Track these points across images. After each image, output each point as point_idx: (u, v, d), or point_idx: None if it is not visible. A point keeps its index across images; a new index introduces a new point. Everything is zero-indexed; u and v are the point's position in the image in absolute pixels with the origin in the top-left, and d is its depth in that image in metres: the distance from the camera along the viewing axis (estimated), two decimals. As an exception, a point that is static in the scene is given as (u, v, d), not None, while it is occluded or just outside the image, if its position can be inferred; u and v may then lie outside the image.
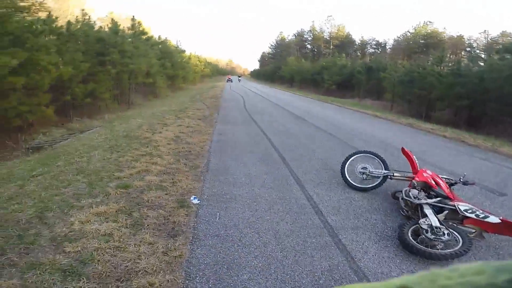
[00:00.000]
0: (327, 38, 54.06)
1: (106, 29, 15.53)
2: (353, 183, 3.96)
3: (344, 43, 51.71)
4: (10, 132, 8.32)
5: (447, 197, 3.12)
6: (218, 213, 3.11)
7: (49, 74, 9.52)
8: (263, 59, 77.05)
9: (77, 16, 14.23)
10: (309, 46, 58.57)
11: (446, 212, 2.96)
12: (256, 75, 75.96)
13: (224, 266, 2.29)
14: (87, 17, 14.36)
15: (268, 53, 71.92)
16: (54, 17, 11.47)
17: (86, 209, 2.95)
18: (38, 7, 14.01)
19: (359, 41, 52.33)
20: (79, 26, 12.83)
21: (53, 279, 1.95)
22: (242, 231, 2.80)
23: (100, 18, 30.64)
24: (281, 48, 62.92)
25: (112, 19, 17.52)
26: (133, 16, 18.30)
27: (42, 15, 11.81)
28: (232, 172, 4.40)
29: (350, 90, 27.66)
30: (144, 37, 18.47)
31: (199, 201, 3.35)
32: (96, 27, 15.17)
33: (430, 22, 41.57)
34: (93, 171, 4.10)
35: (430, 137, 8.74)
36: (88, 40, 12.97)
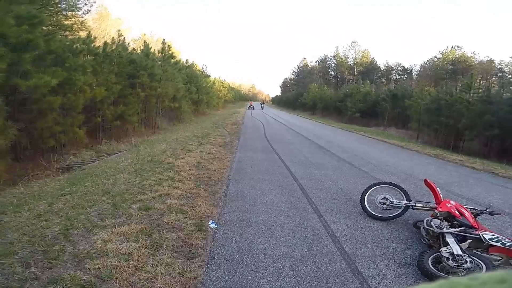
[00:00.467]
0: (351, 64, 53.23)
1: (139, 51, 15.98)
2: (373, 213, 3.89)
3: (368, 69, 50.76)
4: (43, 152, 8.86)
5: (471, 227, 3.08)
6: (234, 238, 3.13)
7: (83, 95, 9.83)
8: (285, 85, 77.06)
9: (113, 37, 14.73)
10: (332, 73, 58.01)
11: (469, 241, 2.92)
12: (277, 102, 75.69)
13: (237, 290, 2.28)
14: (122, 38, 14.68)
15: (290, 79, 71.86)
16: (93, 37, 11.91)
17: (109, 228, 3.07)
18: (79, 26, 15.24)
19: (384, 67, 51.30)
20: (114, 47, 13.13)
21: (72, 294, 2.02)
22: (256, 256, 2.80)
23: (133, 39, 32.75)
24: (304, 74, 62.41)
25: (145, 42, 18.19)
26: (164, 39, 18.75)
27: (82, 34, 12.66)
28: (249, 199, 4.43)
29: (374, 118, 27.14)
30: (172, 60, 18.65)
31: (216, 226, 3.39)
32: (130, 49, 15.55)
33: (458, 46, 40.33)
34: (117, 193, 4.29)
35: (458, 168, 8.36)
36: (121, 62, 13.28)
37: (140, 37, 35.63)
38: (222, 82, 49.83)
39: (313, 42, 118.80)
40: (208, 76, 36.09)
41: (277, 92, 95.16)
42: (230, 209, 3.98)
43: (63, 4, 14.82)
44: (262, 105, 46.51)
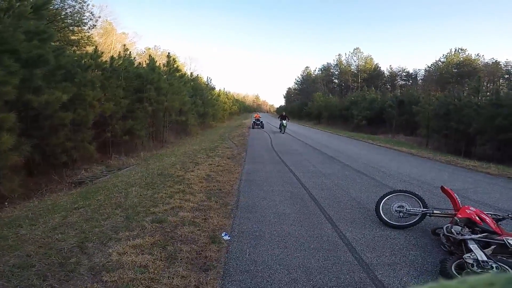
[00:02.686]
0: (355, 71, 52.90)
1: (144, 65, 16.10)
2: (389, 221, 3.81)
3: (372, 76, 50.29)
4: (55, 167, 9.00)
5: (494, 232, 3.00)
6: (247, 250, 3.10)
7: (93, 110, 9.96)
8: (289, 95, 76.48)
9: (119, 52, 14.93)
10: (336, 81, 57.54)
11: (493, 247, 2.85)
12: (282, 112, 75.88)
13: (254, 303, 2.23)
14: (127, 53, 14.82)
15: (294, 89, 71.16)
16: (100, 52, 11.99)
17: (124, 241, 3.07)
18: (86, 41, 15.52)
19: (388, 73, 50.98)
20: (121, 62, 13.12)
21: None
22: (271, 267, 2.76)
23: (138, 53, 33.39)
24: (307, 83, 61.83)
25: (150, 56, 18.41)
26: (169, 53, 19.29)
27: (89, 49, 12.86)
28: (261, 210, 4.41)
29: (381, 125, 26.92)
30: (178, 74, 18.79)
31: (229, 238, 3.36)
32: (135, 63, 15.68)
33: (462, 49, 39.80)
34: (130, 206, 4.31)
35: (472, 174, 8.18)
36: (128, 76, 13.34)
37: (145, 51, 36.40)
38: (226, 94, 49.31)
39: (316, 51, 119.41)
40: (213, 88, 35.99)
41: (281, 102, 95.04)
42: (242, 220, 3.96)
43: (69, 19, 15.27)
44: (286, 119, 20.83)
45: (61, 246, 2.97)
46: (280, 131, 20.19)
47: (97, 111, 10.45)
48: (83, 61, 10.46)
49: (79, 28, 16.11)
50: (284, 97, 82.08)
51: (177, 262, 2.68)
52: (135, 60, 16.48)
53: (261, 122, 23.80)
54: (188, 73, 26.62)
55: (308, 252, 3.09)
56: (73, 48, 11.63)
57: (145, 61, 16.90)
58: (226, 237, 3.36)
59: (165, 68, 17.47)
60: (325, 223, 3.92)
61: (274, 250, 3.11)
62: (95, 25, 17.64)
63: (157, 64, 16.87)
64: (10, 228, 3.89)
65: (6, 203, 6.04)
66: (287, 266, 2.78)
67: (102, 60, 11.86)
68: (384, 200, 4.01)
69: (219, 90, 42.90)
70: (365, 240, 3.42)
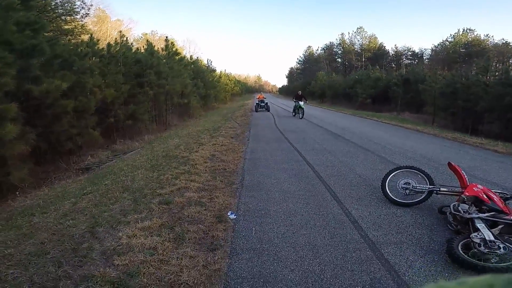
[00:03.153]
0: (358, 50, 52.35)
1: (142, 50, 16.18)
2: (395, 198, 3.79)
3: (377, 55, 49.76)
4: (62, 155, 9.12)
5: (502, 211, 2.95)
6: (253, 228, 3.14)
7: (94, 97, 10.09)
8: (291, 75, 76.16)
9: (116, 39, 14.89)
10: (339, 60, 57.20)
11: (501, 226, 2.81)
12: (285, 92, 75.38)
13: (260, 279, 2.30)
14: (124, 39, 14.80)
15: (297, 69, 70.77)
16: (95, 40, 12.09)
17: (132, 224, 3.13)
18: (80, 29, 15.43)
19: (393, 52, 50.25)
20: (118, 48, 13.21)
21: (102, 291, 2.07)
22: (277, 245, 2.79)
23: (135, 39, 32.99)
24: (310, 63, 61.46)
25: (147, 41, 18.41)
26: (166, 36, 18.94)
27: (84, 38, 12.84)
28: (266, 188, 4.43)
29: (386, 103, 26.58)
30: (177, 57, 18.66)
31: (235, 216, 3.40)
32: (133, 49, 15.78)
33: (470, 29, 39.04)
34: (137, 189, 4.37)
35: (479, 151, 8.08)
36: (127, 62, 13.45)
37: (142, 37, 35.91)
38: (228, 76, 49.05)
39: (318, 30, 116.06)
40: (214, 70, 35.68)
41: (284, 82, 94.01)
42: (247, 199, 3.99)
43: (60, 9, 15.07)
44: (301, 102, 15.89)
45: (73, 232, 3.03)
46: (294, 115, 16.36)
47: (98, 97, 10.51)
48: (79, 50, 10.43)
49: (72, 17, 15.94)
50: (287, 76, 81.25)
51: (185, 243, 2.73)
52: (132, 46, 16.44)
53: (266, 103, 20.71)
54: (188, 56, 26.22)
55: (314, 230, 3.11)
56: (68, 38, 11.52)
57: (143, 46, 16.86)
58: (232, 216, 3.41)
59: (164, 52, 17.39)
60: (331, 201, 3.94)
61: (280, 228, 3.14)
62: (87, 14, 17.40)
63: (156, 48, 16.76)
64: (24, 217, 3.99)
65: (18, 192, 6.17)
66: (294, 244, 2.82)
67: (98, 47, 11.91)
68: (390, 177, 3.96)
69: (220, 72, 42.44)
70: (371, 218, 3.43)
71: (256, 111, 19.99)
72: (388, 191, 3.86)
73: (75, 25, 16.05)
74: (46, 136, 8.26)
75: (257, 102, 20.97)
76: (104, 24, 27.64)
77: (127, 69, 13.29)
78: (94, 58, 11.42)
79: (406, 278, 2.32)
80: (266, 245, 2.80)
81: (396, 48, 50.48)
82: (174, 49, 18.37)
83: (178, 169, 5.31)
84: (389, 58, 50.72)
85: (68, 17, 15.67)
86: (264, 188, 4.43)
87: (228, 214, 3.45)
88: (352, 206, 3.75)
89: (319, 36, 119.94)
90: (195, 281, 2.20)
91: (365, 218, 3.42)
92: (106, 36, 25.36)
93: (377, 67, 34.98)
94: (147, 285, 2.14)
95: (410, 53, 48.98)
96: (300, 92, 16.57)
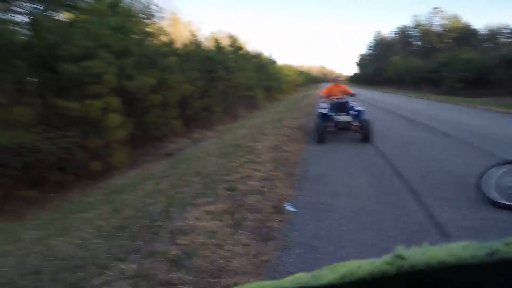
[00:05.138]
0: (439, 31, 46.04)
1: (213, 48, 17.55)
2: (498, 201, 3.09)
3: (464, 35, 42.60)
4: (150, 141, 10.57)
5: None
6: (311, 223, 3.06)
7: (175, 92, 11.39)
8: (362, 62, 72.34)
9: (189, 38, 16.57)
10: (416, 43, 51.44)
11: None
12: (356, 80, 69.96)
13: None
14: (196, 39, 16.48)
15: (368, 55, 66.85)
16: (173, 40, 13.66)
17: (200, 207, 3.39)
18: (160, 32, 17.36)
19: (485, 31, 41.75)
20: (192, 48, 14.74)
21: (161, 267, 2.29)
22: (337, 244, 2.64)
23: (205, 38, 35.31)
24: (381, 48, 57.69)
25: (216, 39, 19.84)
26: (230, 33, 20.32)
27: (164, 39, 14.43)
28: (330, 182, 4.24)
29: (480, 88, 22.45)
30: (241, 52, 19.95)
31: (295, 209, 3.38)
32: (204, 47, 17.16)
33: None
34: (207, 174, 4.71)
35: None
36: (200, 59, 14.78)
37: (210, 36, 37.97)
38: (290, 67, 48.70)
39: (383, 14, 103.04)
40: (275, 62, 35.72)
41: (352, 70, 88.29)
42: (308, 191, 3.89)
43: (141, 14, 17.25)
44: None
45: (151, 210, 3.48)
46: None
47: (179, 92, 11.67)
48: (161, 50, 11.82)
49: (151, 20, 18.09)
50: (358, 64, 76.47)
51: (242, 230, 2.84)
52: (202, 45, 17.78)
53: (357, 111, 7.00)
54: (250, 50, 26.85)
55: (386, 232, 2.79)
56: (151, 39, 13.11)
57: (213, 44, 18.14)
58: (291, 208, 3.39)
59: (229, 48, 18.73)
60: (410, 201, 3.48)
61: (343, 226, 2.95)
62: (163, 16, 19.39)
63: (222, 45, 18.11)
64: (117, 194, 4.78)
65: (115, 172, 7.40)
66: (357, 245, 2.59)
67: (175, 47, 13.41)
68: (490, 172, 3.27)
69: (283, 64, 42.57)
70: (464, 222, 2.89)
71: (322, 139, 6.81)
72: (488, 190, 3.19)
73: (155, 28, 18.25)
74: (139, 125, 9.68)
75: (324, 108, 7.46)
76: (177, 26, 30.45)
77: (201, 66, 14.51)
78: (172, 57, 12.82)
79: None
80: (323, 242, 2.68)
81: (489, 26, 41.59)
82: (238, 45, 19.60)
83: (244, 157, 5.51)
84: (479, 37, 42.20)
85: (147, 20, 17.93)
86: (328, 181, 4.25)
87: (286, 205, 3.46)
88: (441, 208, 3.21)
89: (386, 19, 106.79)
90: (242, 270, 2.26)
91: (454, 222, 2.89)
92: (179, 36, 27.97)
93: (468, 48, 29.63)
94: (200, 266, 2.28)
95: (508, 30, 39.64)
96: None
